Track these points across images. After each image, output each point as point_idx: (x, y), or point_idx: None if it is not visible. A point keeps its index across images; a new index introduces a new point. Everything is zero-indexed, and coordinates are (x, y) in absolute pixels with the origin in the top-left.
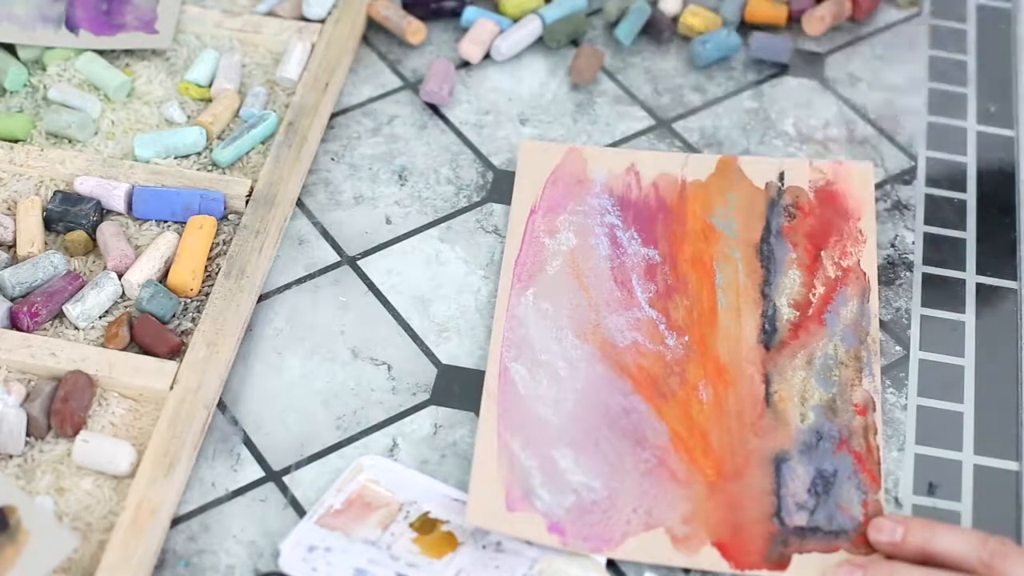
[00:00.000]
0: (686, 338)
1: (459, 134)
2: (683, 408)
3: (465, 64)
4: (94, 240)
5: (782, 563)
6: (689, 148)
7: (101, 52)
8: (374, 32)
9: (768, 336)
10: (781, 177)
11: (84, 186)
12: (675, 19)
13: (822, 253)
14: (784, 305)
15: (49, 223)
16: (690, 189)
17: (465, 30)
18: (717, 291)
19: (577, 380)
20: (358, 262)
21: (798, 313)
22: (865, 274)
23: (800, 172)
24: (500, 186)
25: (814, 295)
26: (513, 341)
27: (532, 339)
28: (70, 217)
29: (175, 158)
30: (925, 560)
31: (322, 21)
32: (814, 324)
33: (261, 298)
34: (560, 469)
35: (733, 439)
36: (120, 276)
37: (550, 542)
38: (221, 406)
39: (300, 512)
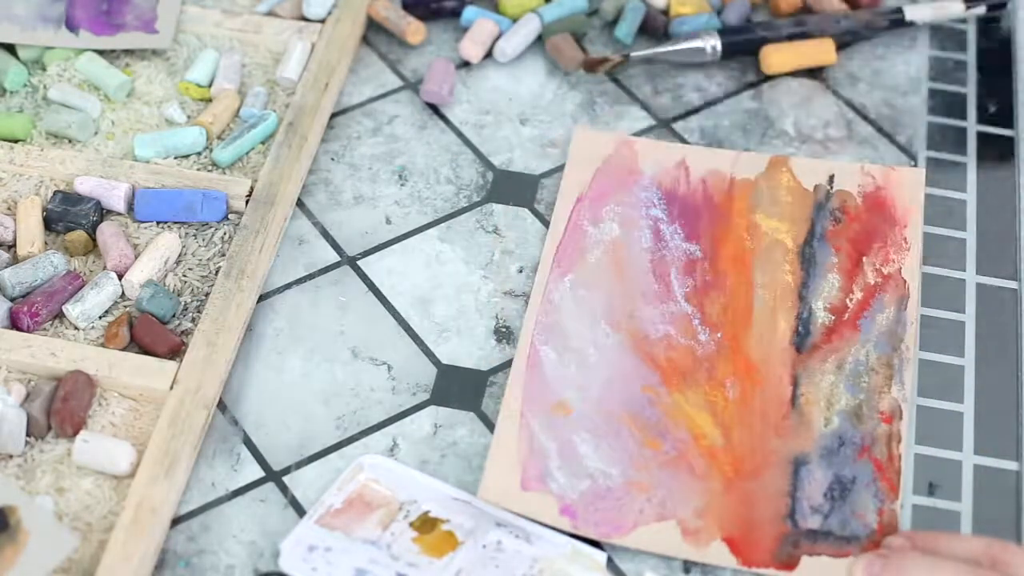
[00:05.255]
0: (719, 335)
1: (459, 134)
2: (708, 404)
3: (465, 64)
4: (94, 240)
5: (791, 564)
6: None
7: (101, 52)
8: (374, 32)
9: (801, 338)
10: (831, 180)
11: (84, 186)
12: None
13: (864, 259)
14: (820, 309)
15: (49, 223)
16: (738, 187)
17: (465, 30)
18: (754, 290)
19: (605, 368)
20: (358, 262)
21: (833, 317)
22: (906, 282)
23: (850, 176)
24: (500, 186)
25: (851, 300)
26: (546, 325)
27: (565, 325)
28: (70, 217)
29: (175, 158)
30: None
31: (322, 21)
32: (848, 329)
33: (261, 298)
34: (579, 453)
35: (754, 438)
36: (120, 276)
37: (560, 524)
38: (221, 406)
39: (300, 512)
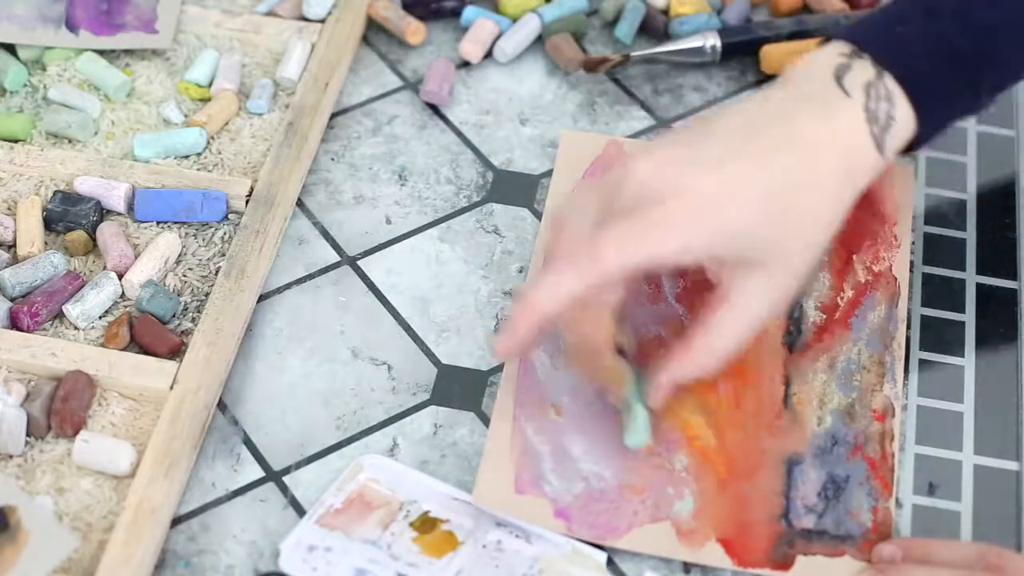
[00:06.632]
0: None
1: (459, 134)
2: (700, 404)
3: (465, 64)
4: (94, 240)
5: (786, 564)
6: None
7: (101, 52)
8: (374, 32)
9: (792, 338)
10: None
11: (84, 186)
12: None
13: (854, 257)
14: (811, 307)
15: (49, 223)
16: None
17: (465, 30)
18: None
19: None
20: (358, 262)
21: (824, 316)
22: (896, 279)
23: None
24: (500, 186)
25: (842, 298)
26: None
27: (555, 326)
28: (70, 217)
29: (175, 158)
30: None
31: (322, 21)
32: (840, 328)
33: (261, 298)
34: (572, 456)
35: (747, 438)
36: (120, 276)
37: (555, 527)
38: (221, 406)
39: (300, 512)
